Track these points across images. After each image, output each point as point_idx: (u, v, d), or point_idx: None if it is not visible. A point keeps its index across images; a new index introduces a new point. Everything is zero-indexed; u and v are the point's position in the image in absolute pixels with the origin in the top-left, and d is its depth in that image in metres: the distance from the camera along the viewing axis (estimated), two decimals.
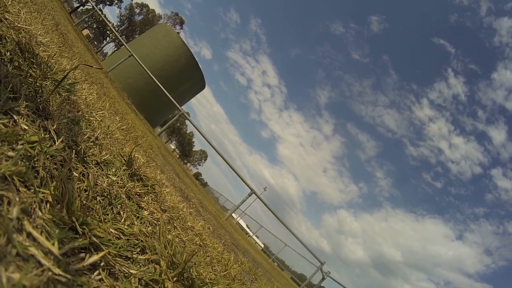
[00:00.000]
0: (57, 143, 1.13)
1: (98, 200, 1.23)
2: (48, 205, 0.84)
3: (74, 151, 1.28)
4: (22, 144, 0.91)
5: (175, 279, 1.20)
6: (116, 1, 60.69)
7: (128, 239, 1.17)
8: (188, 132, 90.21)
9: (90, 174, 1.28)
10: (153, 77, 14.51)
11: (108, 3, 60.13)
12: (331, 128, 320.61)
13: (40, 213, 0.79)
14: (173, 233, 1.85)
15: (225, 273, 2.35)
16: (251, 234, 31.03)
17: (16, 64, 1.35)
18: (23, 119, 1.02)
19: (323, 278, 14.39)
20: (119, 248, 1.03)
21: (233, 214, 15.99)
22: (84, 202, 1.03)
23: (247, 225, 35.54)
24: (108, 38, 64.57)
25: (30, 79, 1.36)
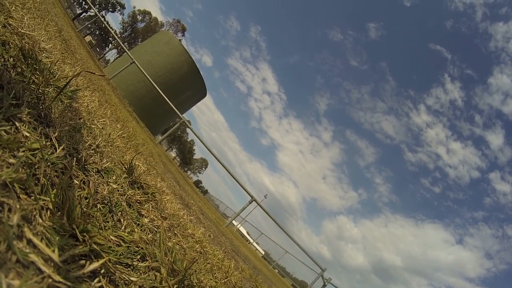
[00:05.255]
0: (58, 151, 1.14)
1: (98, 207, 1.23)
2: (48, 212, 0.85)
3: (75, 158, 1.28)
4: (24, 151, 0.91)
5: (175, 286, 1.20)
6: (119, 8, 61.12)
7: (128, 247, 1.17)
8: (189, 140, 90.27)
9: (90, 181, 1.28)
10: (155, 85, 14.56)
11: (110, 10, 60.58)
12: (330, 135, 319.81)
13: (40, 220, 0.79)
14: (174, 240, 1.85)
15: (225, 280, 2.34)
16: (251, 241, 30.99)
17: (19, 70, 1.36)
18: (25, 126, 1.02)
19: (324, 285, 14.36)
20: (120, 255, 1.03)
21: (233, 221, 15.97)
22: (85, 209, 1.03)
23: (247, 232, 35.51)
24: (110, 45, 64.93)
25: (33, 86, 1.37)
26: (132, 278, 0.99)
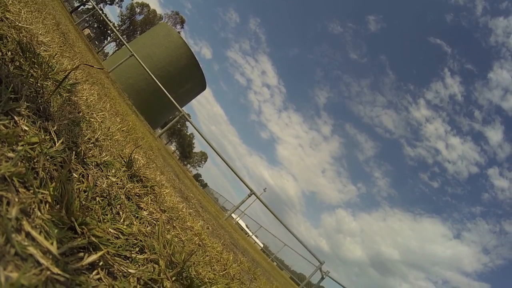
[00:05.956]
0: (57, 145, 1.14)
1: (97, 200, 1.23)
2: (47, 205, 0.85)
3: (74, 152, 1.29)
4: (22, 145, 0.91)
5: (174, 278, 1.21)
6: (117, 1, 60.73)
7: (127, 239, 1.17)
8: (188, 133, 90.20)
9: (89, 175, 1.29)
10: (154, 78, 14.50)
11: (108, 2, 60.17)
12: (330, 129, 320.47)
13: (39, 213, 0.79)
14: (172, 233, 1.86)
15: (224, 272, 2.35)
16: (250, 234, 31.04)
17: (17, 64, 1.36)
18: (24, 120, 1.02)
19: (322, 278, 14.39)
20: (118, 247, 1.03)
21: (232, 215, 16.00)
22: (84, 202, 1.04)
23: (246, 225, 35.53)
24: (109, 38, 64.61)
25: (31, 79, 1.37)
26: (130, 270, 0.99)
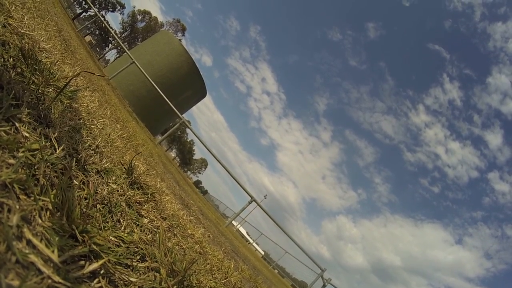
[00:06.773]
0: (58, 151, 1.14)
1: (98, 208, 1.23)
2: (48, 212, 0.84)
3: (74, 159, 1.28)
4: (23, 151, 0.91)
5: (175, 287, 1.20)
6: (119, 8, 61.13)
7: (128, 247, 1.17)
8: (188, 140, 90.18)
9: (90, 182, 1.28)
10: (155, 85, 14.54)
11: (110, 9, 60.58)
12: (330, 135, 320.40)
13: (40, 221, 0.79)
14: (173, 240, 1.85)
15: (225, 280, 2.33)
16: (251, 241, 30.94)
17: (19, 70, 1.36)
18: (25, 127, 1.02)
19: (324, 285, 14.32)
20: (119, 256, 1.03)
21: (233, 222, 15.95)
22: (84, 210, 1.03)
23: (247, 232, 35.46)
24: (110, 45, 64.87)
25: (33, 86, 1.37)
26: (131, 279, 0.99)
